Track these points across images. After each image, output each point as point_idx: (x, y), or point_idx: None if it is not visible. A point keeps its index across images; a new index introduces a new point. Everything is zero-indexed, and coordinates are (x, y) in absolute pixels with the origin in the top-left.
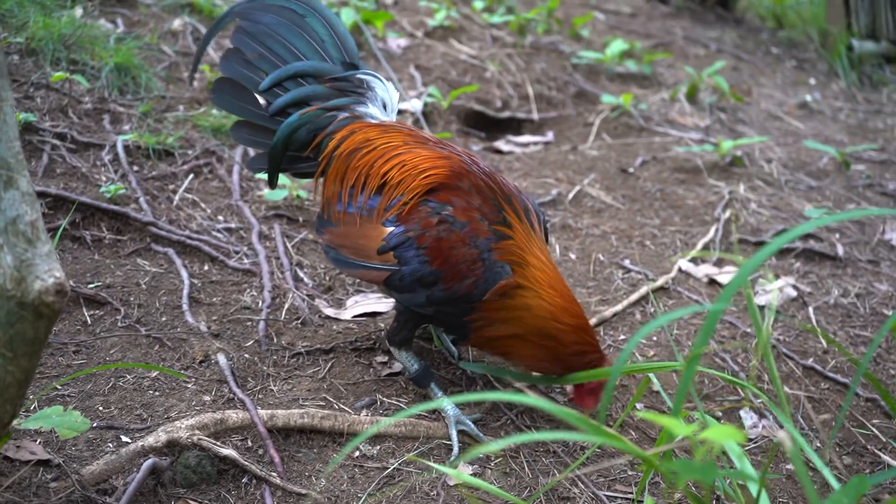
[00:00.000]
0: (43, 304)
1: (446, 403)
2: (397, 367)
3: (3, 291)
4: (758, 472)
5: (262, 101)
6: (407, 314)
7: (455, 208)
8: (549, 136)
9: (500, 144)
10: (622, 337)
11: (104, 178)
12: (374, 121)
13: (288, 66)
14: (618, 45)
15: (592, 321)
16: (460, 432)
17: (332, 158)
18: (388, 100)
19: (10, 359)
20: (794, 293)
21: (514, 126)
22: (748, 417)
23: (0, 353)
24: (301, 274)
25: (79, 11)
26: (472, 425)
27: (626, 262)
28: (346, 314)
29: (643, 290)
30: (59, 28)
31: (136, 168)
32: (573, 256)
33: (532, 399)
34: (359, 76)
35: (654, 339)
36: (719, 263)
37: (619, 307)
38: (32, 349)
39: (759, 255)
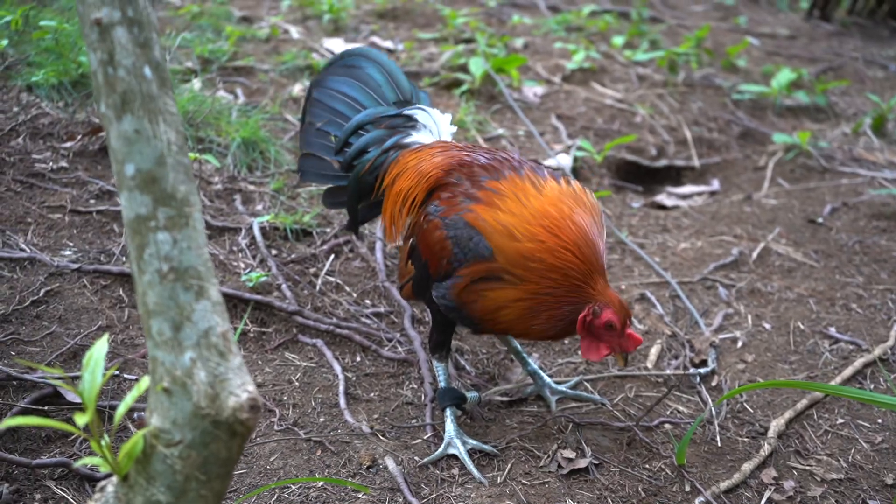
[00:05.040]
0: (237, 421)
1: (453, 431)
2: (582, 463)
3: (198, 410)
4: None
5: (335, 164)
6: (436, 316)
7: (441, 200)
8: (715, 184)
9: (663, 199)
10: (840, 421)
11: (243, 265)
12: (417, 145)
13: (348, 124)
14: (785, 75)
15: (802, 402)
16: (452, 455)
17: (384, 192)
18: (434, 124)
19: (204, 482)
20: None
21: (673, 175)
22: None
23: (193, 476)
24: (462, 361)
25: (197, 84)
26: (466, 455)
27: (832, 331)
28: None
29: (858, 363)
30: (183, 105)
31: (274, 252)
32: (767, 326)
33: None
34: (405, 112)
35: (880, 421)
36: None
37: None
38: (225, 470)
39: None
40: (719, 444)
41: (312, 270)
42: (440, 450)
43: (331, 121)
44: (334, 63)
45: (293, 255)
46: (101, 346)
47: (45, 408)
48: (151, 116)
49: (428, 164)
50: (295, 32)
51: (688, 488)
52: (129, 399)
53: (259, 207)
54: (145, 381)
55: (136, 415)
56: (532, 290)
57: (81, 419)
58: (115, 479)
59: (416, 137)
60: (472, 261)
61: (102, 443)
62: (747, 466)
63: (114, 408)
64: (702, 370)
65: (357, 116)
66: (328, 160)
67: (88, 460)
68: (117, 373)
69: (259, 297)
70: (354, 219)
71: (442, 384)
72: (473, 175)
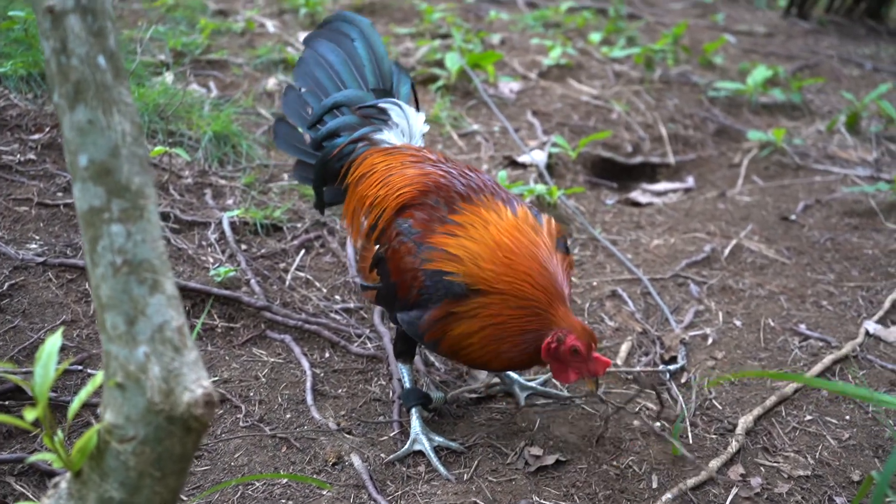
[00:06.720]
0: (192, 417)
1: (419, 428)
2: (549, 460)
3: (151, 406)
4: None
5: (307, 137)
6: (401, 330)
7: (415, 220)
8: (690, 181)
9: (637, 195)
10: (808, 417)
11: (212, 260)
12: (387, 146)
13: (325, 101)
14: (761, 73)
15: (771, 399)
16: (417, 452)
17: (348, 186)
18: (407, 124)
19: (158, 479)
20: None
21: (648, 172)
22: None
23: (147, 472)
24: (431, 357)
25: (169, 77)
26: (432, 452)
27: (802, 328)
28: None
29: (827, 359)
30: (154, 98)
31: (243, 247)
32: (738, 323)
33: None
34: (380, 104)
35: (847, 417)
36: None
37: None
38: (180, 467)
39: None
40: (689, 441)
41: (282, 265)
42: (406, 446)
43: (310, 89)
44: (330, 22)
45: (263, 250)
46: (54, 341)
47: (6, 403)
48: (105, 107)
49: (399, 177)
50: (271, 26)
51: (655, 485)
52: (83, 394)
53: (230, 202)
54: (100, 377)
55: (98, 410)
56: (494, 317)
57: (31, 414)
58: (69, 475)
59: (385, 136)
60: (443, 296)
61: (56, 438)
62: (714, 463)
63: None
64: (672, 367)
65: (336, 95)
66: (300, 132)
67: (42, 456)
68: (81, 368)
69: (227, 292)
70: (320, 199)
71: (407, 385)
72: (451, 200)
